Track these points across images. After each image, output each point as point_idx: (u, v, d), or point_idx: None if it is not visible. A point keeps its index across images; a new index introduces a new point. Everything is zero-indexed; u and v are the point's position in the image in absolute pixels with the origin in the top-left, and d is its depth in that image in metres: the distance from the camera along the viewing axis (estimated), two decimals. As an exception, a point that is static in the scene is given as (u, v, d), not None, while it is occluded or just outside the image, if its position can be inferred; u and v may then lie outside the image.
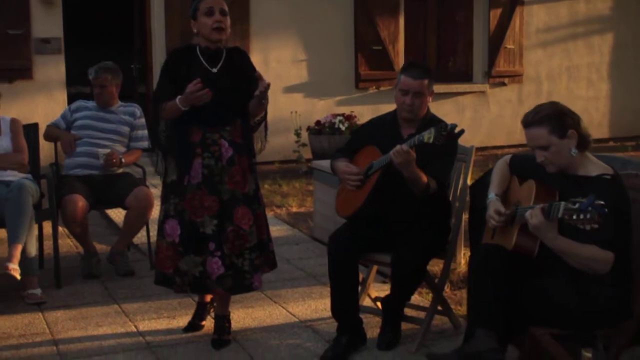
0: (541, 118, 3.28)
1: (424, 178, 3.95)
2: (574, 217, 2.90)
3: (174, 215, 4.10)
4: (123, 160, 5.54)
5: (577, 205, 2.89)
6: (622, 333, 3.28)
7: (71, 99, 7.67)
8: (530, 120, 3.32)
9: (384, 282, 5.16)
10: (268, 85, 3.99)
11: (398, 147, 3.84)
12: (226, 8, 4.08)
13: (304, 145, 10.04)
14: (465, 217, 4.40)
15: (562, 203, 2.97)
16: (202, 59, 4.11)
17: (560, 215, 2.96)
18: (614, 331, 3.28)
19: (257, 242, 4.18)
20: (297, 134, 10.05)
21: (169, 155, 4.16)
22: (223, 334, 4.25)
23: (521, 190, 3.46)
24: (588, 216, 2.87)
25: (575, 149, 3.28)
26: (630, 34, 13.11)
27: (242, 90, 4.08)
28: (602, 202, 2.87)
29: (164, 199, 4.17)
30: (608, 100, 13.08)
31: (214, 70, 4.10)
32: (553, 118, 3.28)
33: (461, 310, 4.69)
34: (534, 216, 3.08)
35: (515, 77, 12.29)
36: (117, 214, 6.73)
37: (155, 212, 5.73)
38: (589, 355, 3.78)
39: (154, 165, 4.29)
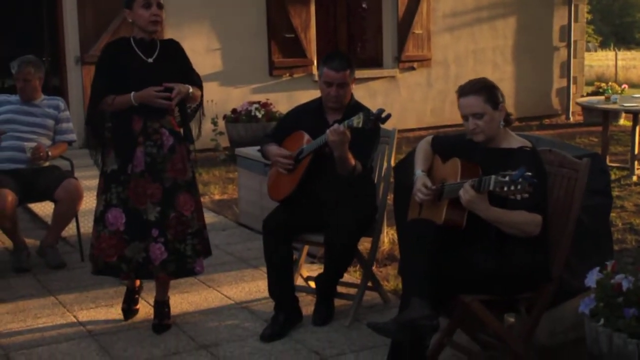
0: (478, 88, 3.54)
1: (352, 160, 4.14)
2: (505, 188, 3.12)
3: (117, 204, 4.16)
4: (50, 153, 5.54)
5: (507, 178, 3.12)
6: (542, 296, 3.54)
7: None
8: (467, 90, 3.56)
9: (313, 263, 5.35)
10: (174, 91, 4.08)
11: (335, 126, 4.01)
12: (162, 1, 4.16)
13: (220, 133, 10.10)
14: (389, 197, 4.63)
15: (492, 177, 3.18)
16: (137, 49, 4.17)
17: (491, 188, 3.18)
18: (535, 294, 3.55)
19: (198, 228, 4.31)
20: (214, 123, 10.10)
21: (108, 146, 4.22)
22: (164, 319, 4.36)
23: (445, 168, 3.67)
24: (519, 187, 3.10)
25: (503, 121, 3.54)
26: (531, 17, 13.61)
27: (177, 80, 4.15)
28: (530, 173, 3.11)
29: (105, 189, 4.21)
30: (512, 82, 13.54)
31: (150, 60, 4.17)
32: (488, 89, 3.55)
33: (388, 285, 4.92)
34: (466, 192, 3.30)
35: (424, 61, 12.62)
36: (41, 208, 6.72)
37: (85, 204, 5.77)
38: (511, 319, 4.07)
39: (91, 157, 4.33)
